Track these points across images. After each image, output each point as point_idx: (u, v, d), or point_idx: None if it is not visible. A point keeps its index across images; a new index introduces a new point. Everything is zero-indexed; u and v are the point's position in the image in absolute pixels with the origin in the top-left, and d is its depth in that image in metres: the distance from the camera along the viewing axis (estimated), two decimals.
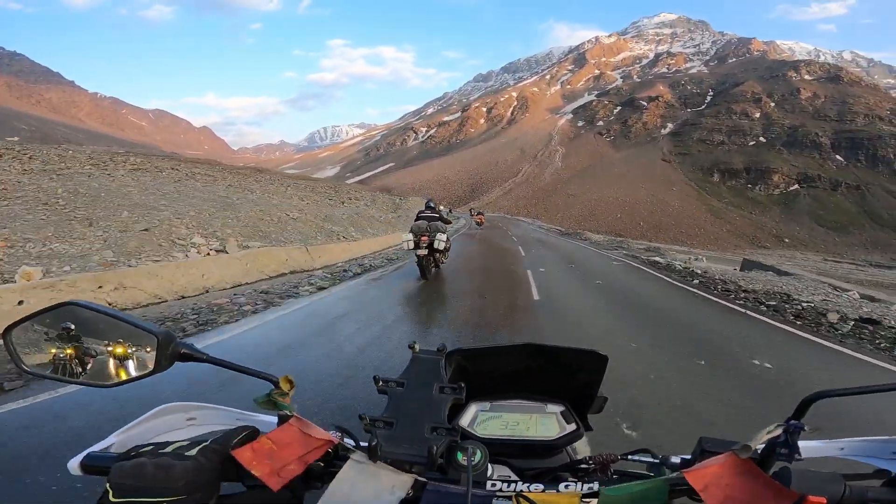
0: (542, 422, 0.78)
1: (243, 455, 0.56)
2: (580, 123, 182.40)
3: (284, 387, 0.64)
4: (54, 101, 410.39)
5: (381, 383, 0.69)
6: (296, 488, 0.57)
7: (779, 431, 0.55)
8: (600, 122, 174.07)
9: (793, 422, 0.56)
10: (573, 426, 0.77)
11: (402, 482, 0.56)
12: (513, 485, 0.57)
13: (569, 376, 0.81)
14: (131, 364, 0.65)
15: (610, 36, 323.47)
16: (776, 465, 0.55)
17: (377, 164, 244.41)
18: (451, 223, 10.84)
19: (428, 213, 9.29)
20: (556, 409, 0.80)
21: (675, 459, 0.63)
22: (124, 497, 0.51)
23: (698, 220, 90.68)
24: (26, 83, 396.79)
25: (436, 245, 8.62)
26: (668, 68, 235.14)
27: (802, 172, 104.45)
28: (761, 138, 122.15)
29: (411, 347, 0.75)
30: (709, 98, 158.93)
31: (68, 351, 0.64)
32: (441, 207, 11.24)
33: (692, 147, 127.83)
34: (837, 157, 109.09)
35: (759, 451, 0.56)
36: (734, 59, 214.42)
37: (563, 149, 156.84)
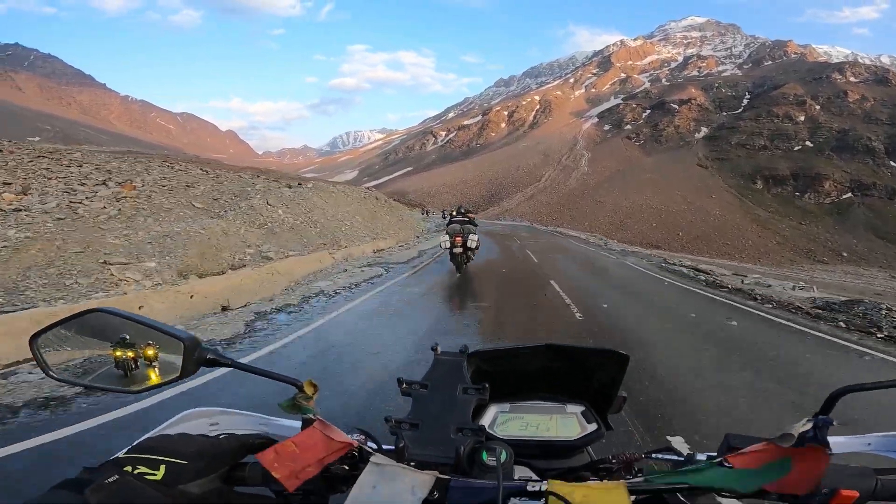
0: (562, 422, 0.78)
1: (266, 458, 0.57)
2: (607, 127, 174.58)
3: (308, 391, 0.65)
4: (85, 103, 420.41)
5: (404, 385, 0.69)
6: (320, 493, 0.58)
7: (808, 426, 0.55)
8: (628, 126, 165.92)
9: (821, 417, 0.56)
10: (594, 426, 0.77)
11: (423, 481, 0.56)
12: (538, 484, 0.56)
13: (589, 376, 0.81)
14: (158, 369, 0.65)
15: (636, 39, 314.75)
16: None
17: (395, 168, 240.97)
18: (478, 226, 11.53)
19: (460, 218, 10.79)
20: (577, 409, 0.80)
21: (701, 456, 0.62)
22: (131, 454, 0.54)
23: (743, 231, 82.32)
24: (58, 85, 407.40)
25: (469, 244, 10.35)
26: (699, 71, 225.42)
27: (856, 179, 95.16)
28: (808, 143, 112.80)
29: (433, 350, 0.75)
30: (745, 101, 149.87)
31: (96, 356, 0.64)
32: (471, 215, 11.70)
33: (731, 152, 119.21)
34: (892, 163, 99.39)
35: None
36: (770, 62, 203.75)
37: (590, 153, 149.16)
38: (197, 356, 0.63)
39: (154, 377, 0.65)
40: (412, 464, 0.59)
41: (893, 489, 0.53)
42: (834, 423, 0.55)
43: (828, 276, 46.74)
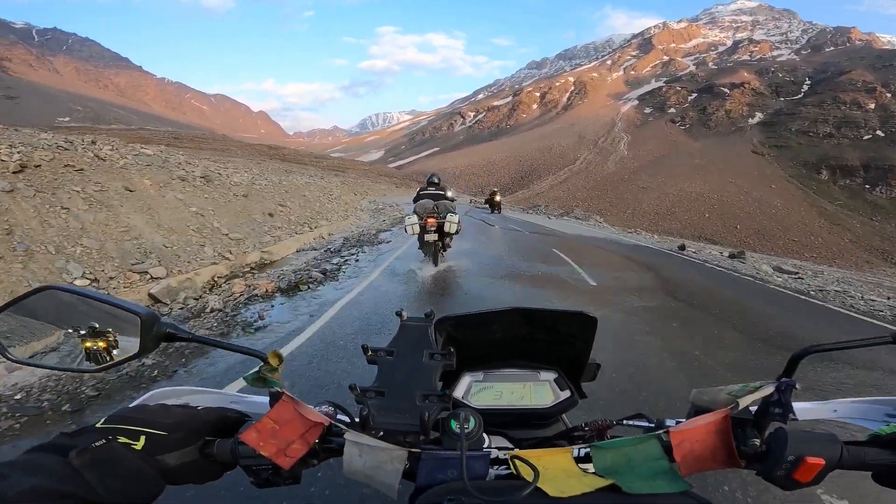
0: (535, 390, 0.77)
1: (249, 437, 0.56)
2: (648, 110, 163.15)
3: (273, 362, 0.63)
4: (122, 85, 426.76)
5: (370, 353, 0.66)
6: (294, 466, 0.58)
7: (770, 389, 0.54)
8: (672, 109, 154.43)
9: (784, 379, 0.54)
10: (567, 393, 0.76)
11: (398, 456, 0.56)
12: (502, 452, 0.57)
13: (560, 342, 0.80)
14: (116, 346, 0.63)
15: (679, 22, 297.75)
16: (771, 425, 0.54)
17: (421, 148, 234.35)
18: (455, 201, 8.52)
19: (432, 191, 8.08)
20: (550, 376, 0.79)
21: (671, 422, 0.62)
22: (110, 423, 0.53)
23: (810, 227, 72.58)
24: (95, 67, 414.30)
25: (447, 228, 7.51)
26: (750, 55, 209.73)
27: None
28: (879, 132, 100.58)
29: (399, 315, 0.72)
30: (806, 87, 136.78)
31: (52, 335, 0.61)
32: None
33: (791, 139, 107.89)
34: None
35: (752, 411, 0.55)
36: (832, 49, 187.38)
37: (629, 136, 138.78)
38: (156, 332, 0.61)
39: (112, 355, 0.63)
40: (380, 434, 0.59)
41: (859, 457, 0.52)
42: (797, 385, 0.54)
43: None
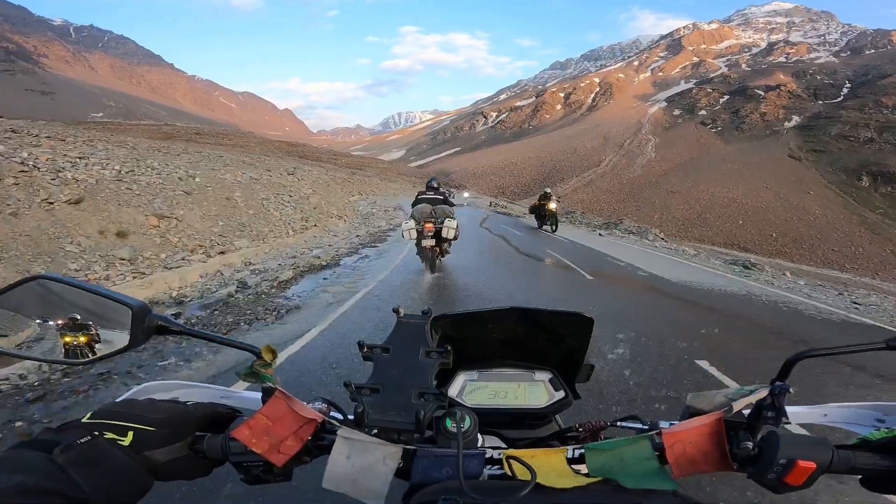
0: (530, 390, 0.77)
1: (242, 433, 0.56)
2: (677, 112, 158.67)
3: (267, 357, 0.63)
4: (154, 82, 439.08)
5: (365, 349, 0.65)
6: (286, 463, 0.57)
7: (764, 393, 0.54)
8: (703, 112, 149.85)
9: (778, 383, 0.55)
10: (562, 394, 0.76)
11: (392, 453, 0.56)
12: (497, 451, 0.57)
13: (556, 342, 0.79)
14: (106, 339, 0.61)
15: (710, 23, 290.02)
16: (764, 429, 0.54)
17: (442, 147, 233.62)
18: (455, 206, 8.35)
19: (430, 195, 7.97)
20: (545, 376, 0.79)
21: (664, 424, 0.62)
22: (97, 419, 0.52)
23: (850, 236, 68.72)
24: (129, 65, 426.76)
25: (444, 234, 7.43)
26: (786, 57, 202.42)
27: None
28: None
29: (396, 312, 0.71)
30: (846, 90, 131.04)
31: (42, 326, 0.61)
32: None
33: (830, 144, 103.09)
34: None
35: (745, 415, 0.55)
36: (872, 51, 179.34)
37: (657, 138, 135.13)
38: (147, 324, 0.60)
39: (102, 347, 0.61)
40: (374, 431, 0.58)
41: (850, 461, 0.52)
42: (791, 389, 0.54)
43: None
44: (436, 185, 8.32)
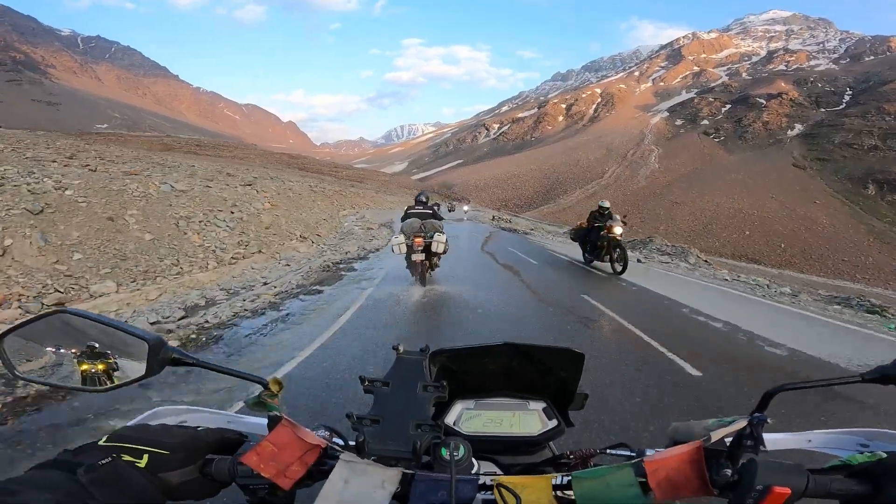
0: (524, 419, 0.80)
1: (250, 459, 0.58)
2: (679, 122, 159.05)
3: (274, 388, 0.66)
4: (159, 94, 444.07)
5: (366, 383, 0.70)
6: (291, 487, 0.60)
7: (743, 423, 0.57)
8: (705, 121, 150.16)
9: (757, 414, 0.57)
10: (555, 422, 0.79)
11: (391, 477, 0.58)
12: (488, 478, 0.59)
13: (549, 374, 0.82)
14: (123, 369, 0.66)
15: (710, 32, 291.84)
16: (744, 456, 0.56)
17: (445, 160, 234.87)
18: (443, 220, 8.39)
19: (419, 210, 8.12)
20: (538, 405, 0.82)
21: (650, 452, 0.64)
22: (113, 442, 0.56)
23: (859, 245, 68.12)
24: (135, 76, 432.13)
25: (434, 248, 7.56)
26: (786, 65, 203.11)
27: None
28: None
29: (395, 349, 0.76)
30: (847, 97, 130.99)
31: (63, 356, 0.65)
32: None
33: (834, 152, 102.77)
34: None
35: (727, 443, 0.58)
36: (871, 58, 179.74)
37: (660, 149, 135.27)
38: (162, 356, 0.64)
39: (119, 377, 0.65)
40: (374, 458, 0.61)
41: (825, 486, 0.53)
42: (769, 420, 0.56)
43: None
44: (424, 200, 8.47)
